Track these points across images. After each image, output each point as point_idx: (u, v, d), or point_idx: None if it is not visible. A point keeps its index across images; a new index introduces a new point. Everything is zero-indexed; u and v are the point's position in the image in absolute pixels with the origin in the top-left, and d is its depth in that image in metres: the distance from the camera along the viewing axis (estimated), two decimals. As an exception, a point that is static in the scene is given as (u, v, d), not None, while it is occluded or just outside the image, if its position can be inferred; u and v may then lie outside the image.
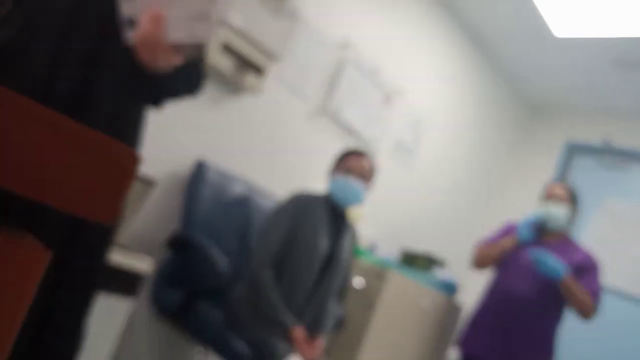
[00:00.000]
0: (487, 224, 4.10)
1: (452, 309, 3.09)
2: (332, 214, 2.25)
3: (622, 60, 3.33)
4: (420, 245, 3.58)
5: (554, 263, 2.43)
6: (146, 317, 2.32)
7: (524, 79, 4.05)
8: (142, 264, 2.03)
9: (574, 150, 4.14)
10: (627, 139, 3.91)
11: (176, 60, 1.14)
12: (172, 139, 2.39)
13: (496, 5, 3.31)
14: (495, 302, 2.68)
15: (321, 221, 2.20)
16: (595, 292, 2.52)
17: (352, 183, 2.20)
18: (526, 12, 3.23)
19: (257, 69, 2.48)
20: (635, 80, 3.51)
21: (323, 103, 2.92)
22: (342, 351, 2.64)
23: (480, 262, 2.79)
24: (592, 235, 3.80)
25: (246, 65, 2.44)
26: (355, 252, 2.46)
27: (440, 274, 3.32)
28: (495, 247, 2.74)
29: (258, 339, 2.06)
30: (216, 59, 2.34)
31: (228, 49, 2.36)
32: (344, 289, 2.38)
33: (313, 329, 2.17)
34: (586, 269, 2.57)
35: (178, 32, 1.08)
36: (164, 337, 2.41)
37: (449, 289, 3.07)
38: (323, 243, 2.19)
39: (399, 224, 3.44)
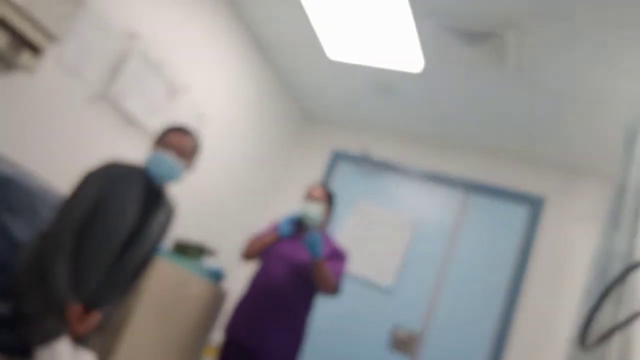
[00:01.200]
0: (260, 219, 4.44)
1: (217, 296, 3.32)
2: (146, 187, 2.21)
3: (380, 85, 3.91)
4: (195, 235, 3.75)
5: (319, 247, 2.81)
6: None
7: (300, 91, 4.47)
8: None
9: (338, 158, 4.68)
10: (382, 151, 4.56)
11: None
12: None
13: (280, 20, 3.63)
14: (255, 290, 2.97)
15: (132, 193, 2.14)
16: (338, 274, 2.97)
17: (168, 159, 2.19)
18: (305, 32, 3.60)
19: (34, 48, 2.41)
20: (389, 103, 4.13)
21: (104, 90, 2.91)
22: (105, 335, 2.68)
23: (247, 254, 3.08)
24: (345, 232, 4.36)
25: (22, 42, 2.35)
26: (168, 229, 2.44)
27: (210, 262, 3.53)
28: (259, 241, 3.05)
29: (31, 313, 1.99)
30: (-13, 32, 2.23)
31: (2, 24, 2.25)
32: (143, 266, 2.32)
33: (96, 302, 2.10)
34: (334, 257, 3.02)
35: None
36: None
37: (216, 276, 3.29)
38: (130, 216, 2.13)
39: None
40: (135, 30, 3.00)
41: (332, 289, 2.93)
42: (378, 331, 4.00)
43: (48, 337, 1.98)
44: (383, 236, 4.29)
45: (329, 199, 3.13)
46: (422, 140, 4.48)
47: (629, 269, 0.86)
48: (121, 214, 2.11)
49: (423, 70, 3.54)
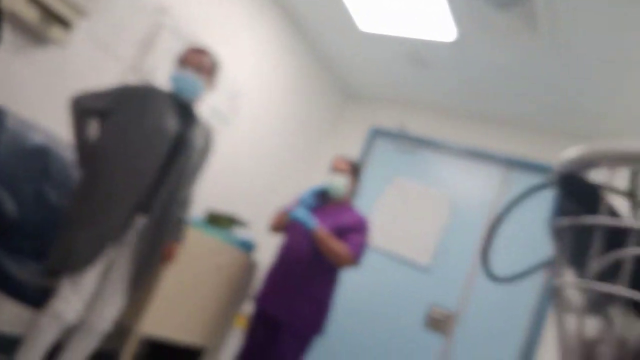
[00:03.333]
0: (295, 195, 4.49)
1: (249, 266, 3.40)
2: (178, 107, 2.36)
3: (414, 56, 3.85)
4: (228, 208, 3.85)
5: (307, 218, 2.84)
6: None
7: (336, 66, 4.47)
8: None
9: (376, 134, 4.66)
10: (419, 127, 4.50)
11: None
12: (-34, 81, 2.37)
13: (311, -6, 3.64)
14: (280, 262, 3.02)
15: (166, 106, 2.29)
16: (356, 245, 2.91)
17: (187, 74, 2.34)
18: (336, 5, 3.60)
19: (64, 22, 2.53)
20: (424, 76, 4.07)
21: (136, 64, 3.03)
22: (136, 301, 2.80)
23: (274, 227, 3.14)
24: (383, 209, 4.35)
25: (52, 17, 2.48)
26: (209, 149, 2.56)
27: (241, 233, 3.62)
28: (285, 214, 3.09)
29: (68, 241, 2.14)
30: (20, 7, 2.36)
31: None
32: (192, 177, 2.46)
33: (160, 218, 2.29)
34: (355, 227, 2.99)
35: None
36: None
37: (247, 247, 3.37)
38: (170, 124, 2.27)
39: (208, 187, 3.67)
40: (165, 3, 3.09)
41: (342, 260, 2.88)
42: (414, 310, 3.98)
43: (78, 264, 2.10)
44: (421, 214, 4.25)
45: (354, 171, 3.13)
46: (459, 115, 4.39)
47: (532, 190, 0.83)
48: (160, 122, 2.26)
49: (456, 39, 3.46)
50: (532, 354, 3.51)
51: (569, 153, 0.67)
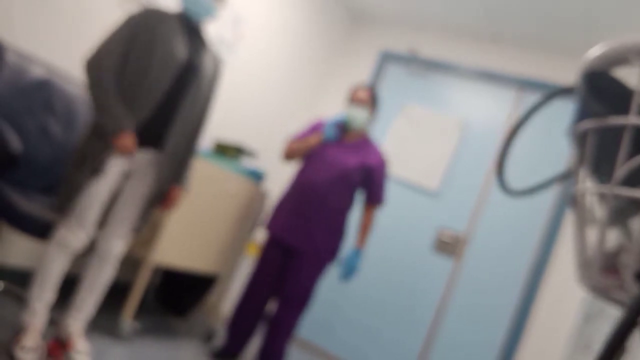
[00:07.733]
0: (303, 122, 4.43)
1: (258, 195, 3.40)
2: (188, 30, 2.24)
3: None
4: (236, 137, 3.81)
5: (355, 262, 3.01)
6: None
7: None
8: None
9: (386, 58, 4.53)
10: (430, 50, 4.36)
11: None
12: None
13: None
14: (298, 190, 3.00)
15: (175, 30, 2.17)
16: (383, 192, 3.08)
17: None
18: None
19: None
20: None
21: (134, -10, 2.91)
22: (147, 232, 2.82)
23: (289, 155, 3.08)
24: (393, 135, 4.29)
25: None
26: (218, 78, 2.43)
27: (249, 163, 3.60)
28: (304, 143, 3.04)
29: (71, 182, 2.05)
30: None
31: None
32: (203, 110, 2.34)
33: (174, 153, 2.19)
34: (379, 169, 3.04)
35: None
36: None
37: (256, 176, 3.35)
38: (180, 50, 2.15)
39: (215, 117, 3.62)
40: None
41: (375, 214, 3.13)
42: (423, 233, 3.99)
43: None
44: (431, 139, 4.19)
45: (373, 102, 3.06)
46: (472, 36, 4.23)
47: (552, 95, 0.77)
48: (169, 45, 2.12)
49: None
50: (542, 274, 3.54)
51: (594, 50, 0.62)
